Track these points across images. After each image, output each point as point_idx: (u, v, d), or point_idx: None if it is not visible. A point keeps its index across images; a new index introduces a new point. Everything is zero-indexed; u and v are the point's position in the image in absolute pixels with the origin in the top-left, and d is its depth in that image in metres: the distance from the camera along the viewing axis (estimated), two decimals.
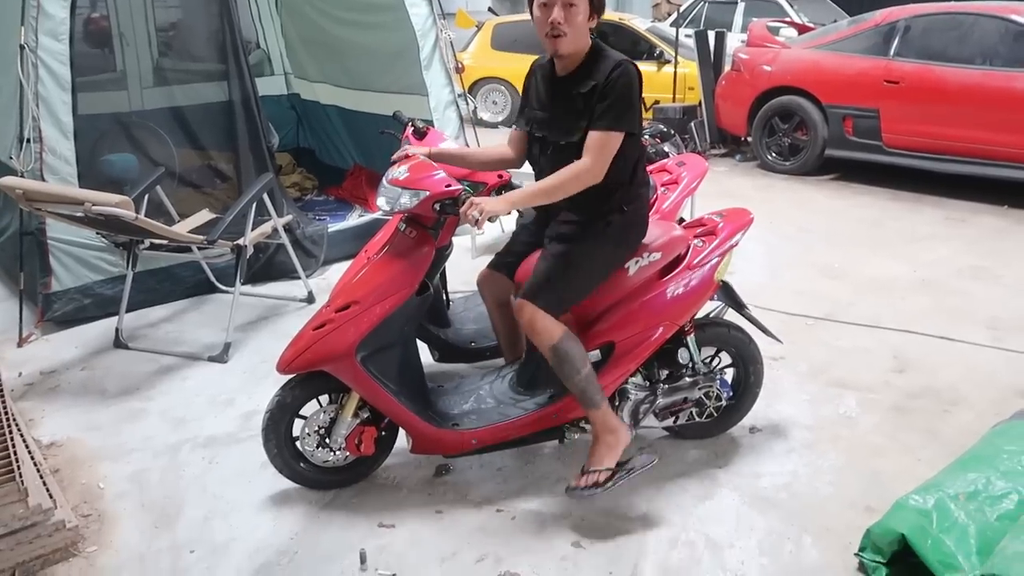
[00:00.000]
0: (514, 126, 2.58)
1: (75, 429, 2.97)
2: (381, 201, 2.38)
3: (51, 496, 2.28)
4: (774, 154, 7.10)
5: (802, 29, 8.11)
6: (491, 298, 2.74)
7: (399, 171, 2.35)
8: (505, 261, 2.66)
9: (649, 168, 3.61)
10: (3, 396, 2.90)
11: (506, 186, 2.91)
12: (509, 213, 2.26)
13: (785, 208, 5.94)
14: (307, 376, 2.43)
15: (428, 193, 2.26)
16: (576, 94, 2.27)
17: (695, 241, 2.63)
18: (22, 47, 3.49)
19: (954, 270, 4.55)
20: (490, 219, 2.23)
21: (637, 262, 2.48)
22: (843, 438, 2.88)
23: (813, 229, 5.38)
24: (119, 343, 3.63)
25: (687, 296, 2.55)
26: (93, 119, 4.24)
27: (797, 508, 2.49)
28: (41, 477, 2.38)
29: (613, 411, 2.48)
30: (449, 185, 2.28)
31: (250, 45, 6.59)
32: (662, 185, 3.36)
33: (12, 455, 2.53)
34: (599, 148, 2.23)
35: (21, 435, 2.67)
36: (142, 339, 3.74)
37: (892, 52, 6.23)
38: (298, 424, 2.49)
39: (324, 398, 2.51)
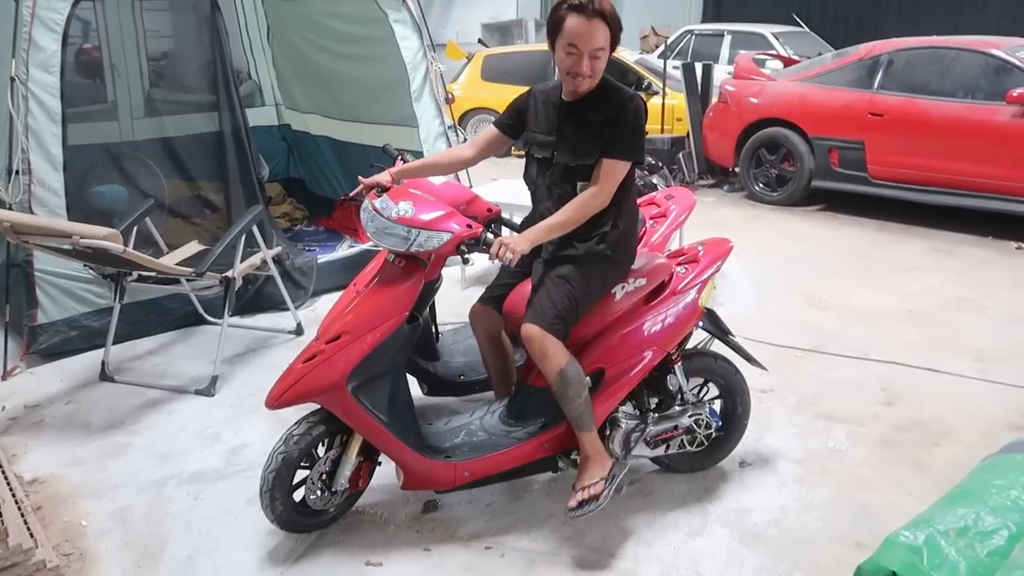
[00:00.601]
0: (492, 126, 2.64)
1: (58, 465, 2.93)
2: (385, 244, 2.34)
3: (32, 535, 2.24)
4: (761, 185, 7.17)
5: (787, 62, 8.25)
6: (483, 332, 2.74)
7: (401, 208, 2.32)
8: (495, 295, 2.67)
9: (638, 201, 3.64)
10: None
11: (495, 219, 2.92)
12: (529, 251, 2.30)
13: (773, 239, 5.99)
14: (308, 426, 2.39)
15: (451, 235, 2.30)
16: (591, 121, 2.36)
17: (678, 268, 2.67)
18: (12, 79, 3.49)
19: (940, 301, 4.58)
20: None
21: (623, 287, 2.53)
22: (832, 472, 2.88)
23: (801, 260, 5.42)
24: (105, 376, 3.60)
25: (673, 321, 2.59)
26: (83, 150, 4.23)
27: (787, 544, 2.47)
28: (22, 515, 2.35)
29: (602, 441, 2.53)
30: (470, 225, 2.33)
31: (241, 75, 6.64)
32: (651, 218, 3.38)
33: None
34: (609, 175, 2.35)
35: (3, 471, 2.63)
36: (128, 372, 3.70)
37: (876, 85, 6.33)
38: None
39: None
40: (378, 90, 5.31)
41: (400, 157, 3.01)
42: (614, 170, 2.35)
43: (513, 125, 2.60)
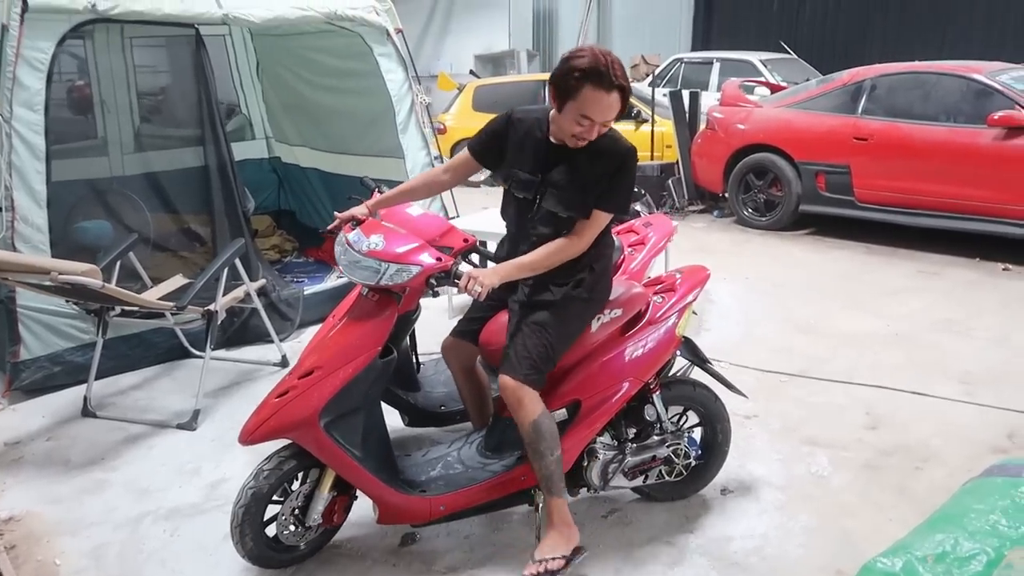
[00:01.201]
0: (467, 147, 2.54)
1: (36, 502, 2.92)
2: (356, 277, 2.34)
3: (1, 574, 2.22)
4: (750, 210, 7.20)
5: (774, 89, 8.32)
6: (456, 364, 2.73)
7: (372, 241, 2.32)
8: (469, 328, 2.66)
9: (616, 229, 3.66)
10: None
11: (472, 249, 2.93)
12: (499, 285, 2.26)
13: (761, 263, 6.00)
14: (279, 461, 2.37)
15: (421, 268, 2.28)
16: (586, 174, 2.28)
17: (655, 298, 2.67)
18: None
19: (927, 324, 4.58)
20: None
21: (599, 319, 2.51)
22: (815, 498, 2.85)
23: (789, 284, 5.42)
24: (87, 412, 3.58)
25: (650, 351, 2.57)
26: (68, 186, 4.26)
27: (767, 572, 2.45)
28: None
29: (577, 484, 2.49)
30: (439, 258, 2.31)
31: (235, 110, 6.73)
32: (629, 246, 3.39)
33: None
34: (592, 226, 2.32)
35: None
36: (111, 407, 3.69)
37: (860, 110, 6.39)
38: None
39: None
40: (365, 123, 5.37)
41: (376, 189, 3.03)
42: (598, 221, 2.32)
43: (488, 153, 2.49)
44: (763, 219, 7.10)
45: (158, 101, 5.86)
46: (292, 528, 2.39)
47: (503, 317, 2.58)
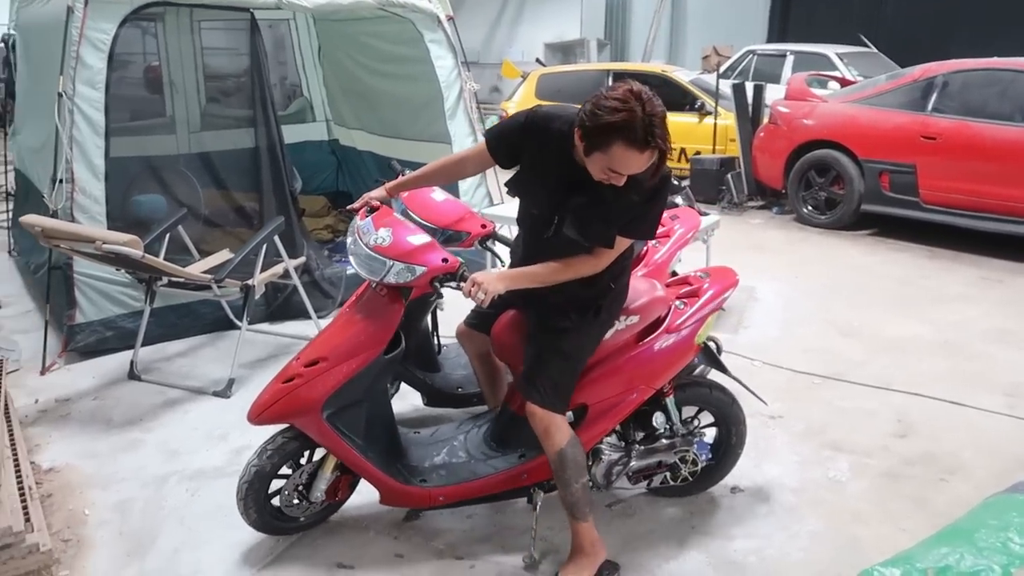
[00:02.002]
0: (484, 139, 2.35)
1: (75, 456, 3.11)
2: (362, 271, 2.32)
3: (28, 519, 2.39)
4: (810, 208, 7.01)
5: (845, 83, 8.04)
6: (471, 350, 2.78)
7: (380, 236, 2.26)
8: (480, 320, 2.68)
9: None
10: (8, 421, 3.06)
11: (489, 236, 2.96)
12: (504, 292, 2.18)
13: (814, 263, 5.84)
14: (282, 442, 2.43)
15: (426, 269, 2.22)
16: (615, 202, 2.12)
17: (676, 303, 2.56)
18: (60, 95, 3.74)
19: (979, 332, 4.38)
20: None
21: (615, 327, 2.44)
22: (827, 503, 2.79)
23: (840, 285, 5.26)
24: (133, 375, 3.79)
25: (664, 360, 2.49)
26: (128, 161, 4.48)
27: (763, 573, 2.42)
28: (24, 500, 2.50)
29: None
30: (446, 259, 2.24)
31: (296, 90, 6.95)
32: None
33: None
34: (614, 252, 2.22)
35: (15, 459, 2.80)
36: (155, 372, 3.89)
37: (930, 108, 6.12)
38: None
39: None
40: (417, 108, 5.46)
41: (401, 172, 3.09)
42: (620, 246, 2.21)
43: (503, 152, 2.32)
44: (823, 217, 6.90)
45: (222, 83, 6.09)
46: (296, 502, 2.48)
47: (513, 312, 2.56)
